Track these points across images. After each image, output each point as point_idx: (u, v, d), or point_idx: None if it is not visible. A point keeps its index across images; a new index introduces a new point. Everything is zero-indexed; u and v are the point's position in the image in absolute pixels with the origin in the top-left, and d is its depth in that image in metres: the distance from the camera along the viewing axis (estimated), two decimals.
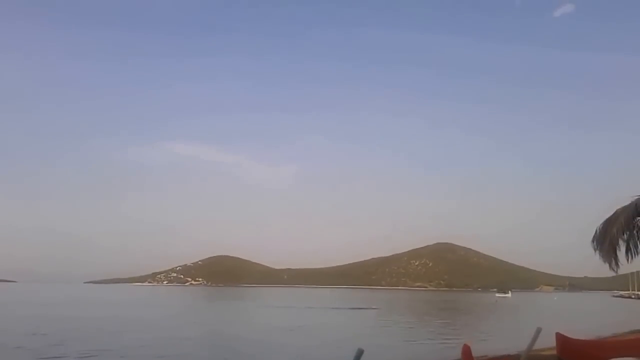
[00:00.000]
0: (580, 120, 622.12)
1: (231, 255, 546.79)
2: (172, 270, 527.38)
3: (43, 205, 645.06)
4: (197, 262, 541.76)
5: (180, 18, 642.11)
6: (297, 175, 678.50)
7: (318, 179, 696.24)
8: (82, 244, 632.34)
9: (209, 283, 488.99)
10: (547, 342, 11.07)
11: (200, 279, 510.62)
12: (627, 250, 16.77)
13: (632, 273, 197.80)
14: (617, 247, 16.68)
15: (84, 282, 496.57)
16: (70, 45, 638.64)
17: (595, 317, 72.47)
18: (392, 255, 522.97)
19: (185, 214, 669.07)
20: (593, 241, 17.16)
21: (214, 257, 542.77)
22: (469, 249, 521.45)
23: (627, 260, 16.82)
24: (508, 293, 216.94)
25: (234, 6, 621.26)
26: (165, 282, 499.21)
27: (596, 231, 17.18)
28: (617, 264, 16.73)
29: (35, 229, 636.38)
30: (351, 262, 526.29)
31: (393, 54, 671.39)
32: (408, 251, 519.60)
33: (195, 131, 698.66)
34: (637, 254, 16.82)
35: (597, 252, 16.95)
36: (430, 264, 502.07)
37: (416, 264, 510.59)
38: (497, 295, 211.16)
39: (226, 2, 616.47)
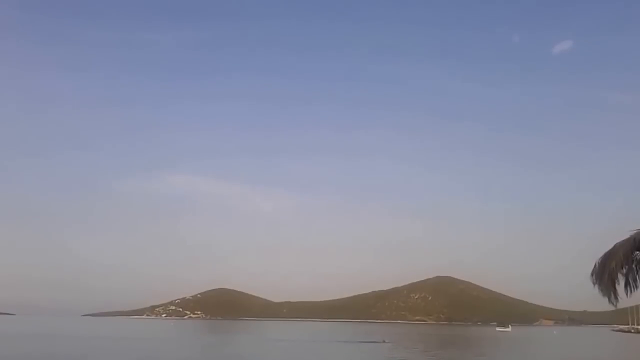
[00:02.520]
0: (568, 161, 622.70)
1: (230, 288, 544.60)
2: (171, 303, 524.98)
3: (38, 238, 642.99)
4: (196, 295, 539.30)
5: (182, 60, 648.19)
6: (296, 208, 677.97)
7: (318, 213, 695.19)
8: (81, 276, 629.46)
9: (208, 316, 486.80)
10: None
11: (199, 312, 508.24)
12: (626, 284, 16.76)
13: (631, 307, 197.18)
14: (616, 281, 16.67)
15: (82, 315, 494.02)
16: (77, 93, 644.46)
17: (596, 353, 72.12)
18: (392, 288, 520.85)
19: (184, 246, 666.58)
20: (592, 275, 17.16)
21: (213, 290, 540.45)
22: (469, 282, 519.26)
23: (627, 294, 16.80)
24: (508, 327, 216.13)
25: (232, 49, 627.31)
26: (164, 315, 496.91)
27: (595, 265, 17.18)
28: (616, 298, 16.71)
29: (33, 261, 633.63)
30: (351, 295, 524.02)
31: (392, 89, 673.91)
32: (408, 284, 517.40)
33: (194, 164, 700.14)
34: (636, 288, 16.81)
35: (596, 286, 16.96)
36: (430, 298, 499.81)
37: (416, 297, 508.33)
38: (498, 329, 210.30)
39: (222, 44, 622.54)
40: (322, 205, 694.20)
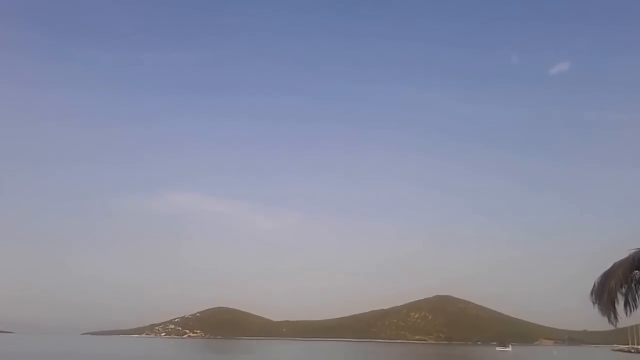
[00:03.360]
0: (570, 182, 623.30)
1: (230, 307, 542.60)
2: (171, 322, 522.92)
3: (37, 256, 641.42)
4: (195, 314, 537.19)
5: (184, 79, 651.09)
6: (297, 227, 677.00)
7: (318, 231, 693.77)
8: (80, 294, 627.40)
9: (207, 335, 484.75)
10: None
11: (198, 331, 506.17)
12: (626, 303, 16.79)
13: (631, 327, 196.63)
14: (616, 301, 16.71)
15: (82, 334, 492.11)
16: (80, 110, 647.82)
17: None
18: (392, 308, 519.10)
19: (184, 264, 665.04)
20: (591, 294, 17.20)
21: (213, 308, 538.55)
22: (468, 301, 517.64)
23: (626, 313, 16.83)
24: (508, 347, 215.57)
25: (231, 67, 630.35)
26: (163, 333, 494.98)
27: (594, 284, 17.23)
28: (615, 317, 16.75)
29: (32, 279, 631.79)
30: (351, 314, 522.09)
31: (393, 108, 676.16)
32: (407, 304, 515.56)
33: (194, 182, 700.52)
34: (636, 308, 16.84)
35: (596, 305, 16.99)
36: (430, 317, 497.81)
37: (415, 316, 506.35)
38: (498, 349, 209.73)
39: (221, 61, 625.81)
40: (322, 223, 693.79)
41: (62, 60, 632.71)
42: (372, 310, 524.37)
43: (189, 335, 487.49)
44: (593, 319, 18.17)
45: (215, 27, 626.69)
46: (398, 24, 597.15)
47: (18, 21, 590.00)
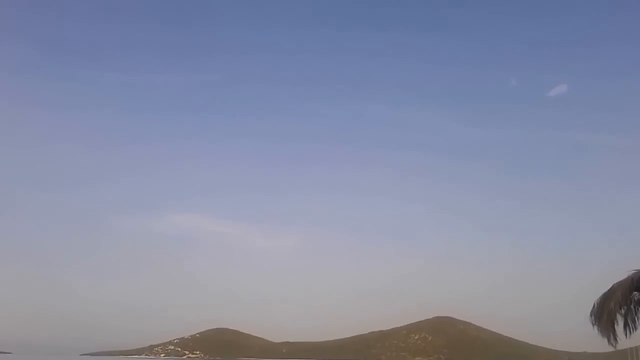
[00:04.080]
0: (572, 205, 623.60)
1: (229, 328, 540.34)
2: (170, 342, 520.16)
3: (36, 276, 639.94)
4: (194, 334, 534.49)
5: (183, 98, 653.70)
6: (297, 248, 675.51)
7: (318, 252, 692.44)
8: (79, 314, 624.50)
9: (207, 356, 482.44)
10: None
11: (197, 352, 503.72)
12: (625, 325, 16.83)
13: (631, 348, 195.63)
14: (615, 322, 16.75)
15: (81, 355, 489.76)
16: (81, 130, 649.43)
17: None
18: (392, 329, 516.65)
19: (184, 285, 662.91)
20: (591, 316, 17.24)
21: (212, 329, 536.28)
22: (469, 322, 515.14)
23: (626, 335, 16.87)
24: None
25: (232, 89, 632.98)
26: (162, 354, 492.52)
27: (594, 306, 17.27)
28: (615, 339, 16.79)
29: (30, 299, 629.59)
30: (351, 335, 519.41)
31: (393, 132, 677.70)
32: (407, 325, 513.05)
33: (195, 203, 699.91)
34: (636, 329, 16.88)
35: (595, 326, 17.02)
36: (430, 338, 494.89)
37: (416, 337, 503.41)
38: None
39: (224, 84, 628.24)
40: (323, 244, 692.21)
41: (62, 80, 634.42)
42: (372, 332, 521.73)
43: (189, 357, 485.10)
44: (593, 340, 18.22)
45: (217, 49, 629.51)
46: (394, 42, 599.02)
47: (18, 40, 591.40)
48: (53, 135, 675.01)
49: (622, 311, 16.95)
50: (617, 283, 17.12)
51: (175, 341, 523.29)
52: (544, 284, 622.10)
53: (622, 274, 17.01)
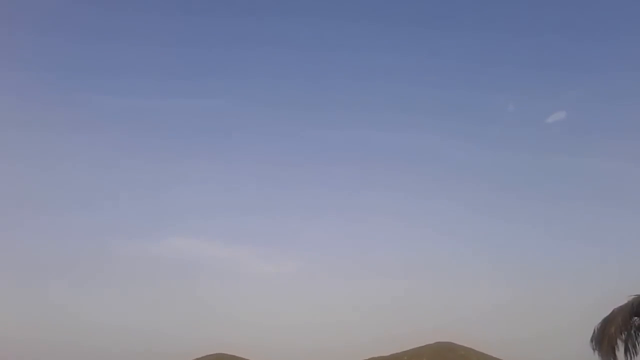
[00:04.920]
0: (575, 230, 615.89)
1: (230, 353, 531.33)
2: None
3: (33, 297, 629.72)
4: None
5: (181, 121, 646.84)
6: (297, 271, 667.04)
7: (319, 275, 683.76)
8: (77, 338, 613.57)
9: None
10: None
11: None
12: (626, 350, 16.60)
13: None
14: (616, 347, 16.53)
15: None
16: (83, 153, 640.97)
17: None
18: (391, 355, 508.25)
19: (183, 310, 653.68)
20: (592, 341, 17.04)
21: (212, 355, 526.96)
22: (470, 348, 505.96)
23: None
24: None
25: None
26: None
27: (594, 331, 17.07)
28: None
29: (27, 321, 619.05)
30: None
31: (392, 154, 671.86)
32: (407, 350, 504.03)
33: (195, 226, 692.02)
34: (636, 354, 16.66)
35: (596, 352, 16.82)
36: None
37: None
38: None
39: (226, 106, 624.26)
40: (324, 267, 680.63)
41: (61, 103, 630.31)
42: (372, 358, 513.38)
43: None
44: None
45: (216, 72, 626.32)
46: (391, 63, 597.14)
47: (23, 65, 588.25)
48: (50, 158, 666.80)
49: (623, 336, 16.72)
50: (617, 308, 16.93)
51: None
52: (547, 308, 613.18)
53: (622, 298, 16.84)
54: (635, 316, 16.61)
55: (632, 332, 16.77)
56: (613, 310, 16.99)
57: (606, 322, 16.94)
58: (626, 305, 16.63)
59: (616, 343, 16.70)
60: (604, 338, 16.75)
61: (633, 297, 16.50)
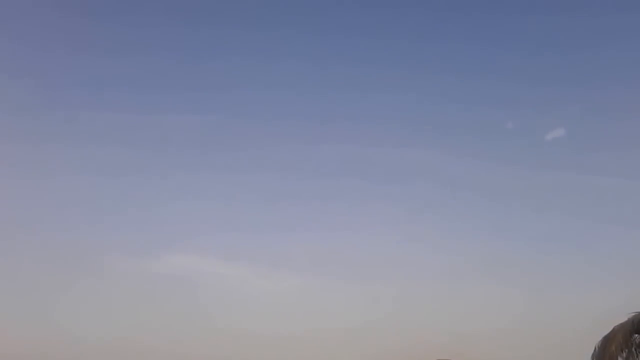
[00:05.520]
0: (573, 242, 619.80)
1: None
2: None
3: (31, 315, 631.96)
4: None
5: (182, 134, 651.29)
6: (296, 288, 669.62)
7: (318, 294, 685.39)
8: (75, 355, 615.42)
9: None
10: None
11: None
12: None
13: None
14: None
15: None
16: (81, 167, 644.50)
17: None
18: None
19: (180, 327, 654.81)
20: (592, 359, 17.06)
21: None
22: None
23: None
24: None
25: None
26: None
27: (595, 349, 17.09)
28: None
29: (23, 339, 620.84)
30: None
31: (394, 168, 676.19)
32: None
33: (193, 243, 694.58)
34: None
35: None
36: None
37: None
38: None
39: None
40: (324, 285, 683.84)
41: (59, 119, 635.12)
42: None
43: None
44: None
45: (216, 86, 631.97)
46: (390, 74, 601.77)
47: (22, 79, 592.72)
48: (46, 173, 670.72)
49: (624, 354, 16.74)
50: (617, 325, 16.96)
51: None
52: (546, 325, 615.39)
53: (623, 316, 16.86)
54: (636, 333, 16.64)
55: (633, 349, 16.81)
56: (613, 328, 17.03)
57: (607, 340, 16.96)
58: (627, 322, 16.66)
59: None
60: (604, 356, 16.77)
61: (633, 314, 16.53)
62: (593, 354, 17.27)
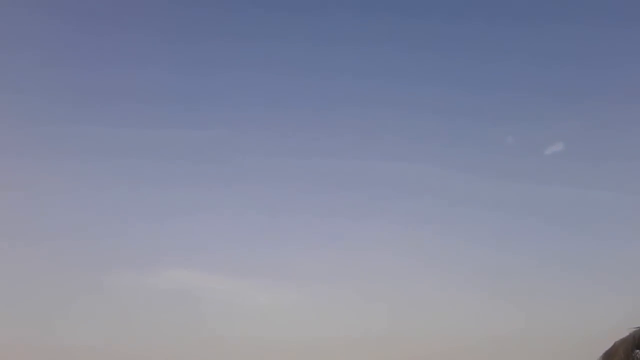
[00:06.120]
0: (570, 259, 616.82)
1: None
2: None
3: (30, 333, 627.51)
4: None
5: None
6: (297, 303, 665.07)
7: (317, 308, 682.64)
8: None
9: None
10: None
11: None
12: None
13: None
14: None
15: None
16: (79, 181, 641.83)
17: None
18: None
19: (179, 343, 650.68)
20: None
21: None
22: None
23: None
24: None
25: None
26: None
27: None
28: None
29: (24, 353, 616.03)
30: None
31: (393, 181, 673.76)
32: None
33: (192, 257, 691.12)
34: None
35: None
36: None
37: None
38: None
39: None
40: (323, 299, 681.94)
41: (60, 135, 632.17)
42: None
43: None
44: None
45: (217, 99, 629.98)
46: (393, 88, 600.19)
47: (21, 89, 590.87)
48: (48, 188, 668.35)
49: None
50: (618, 341, 16.85)
51: None
52: (551, 342, 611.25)
53: (623, 331, 16.74)
54: (638, 349, 16.51)
55: None
56: (614, 344, 16.93)
57: (608, 356, 16.87)
58: (628, 337, 16.56)
59: None
60: None
61: (635, 329, 16.42)
62: None
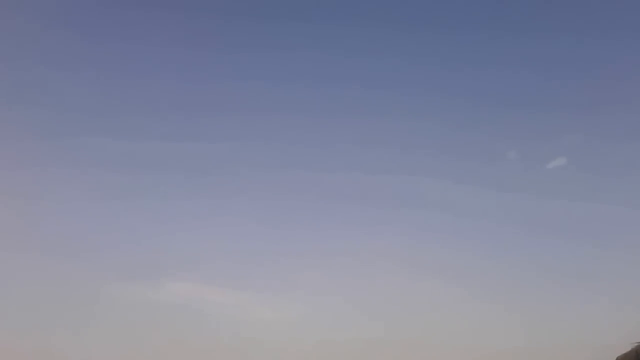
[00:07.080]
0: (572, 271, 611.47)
1: None
2: None
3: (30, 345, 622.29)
4: None
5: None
6: (301, 318, 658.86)
7: (321, 322, 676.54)
8: None
9: None
10: None
11: None
12: None
13: None
14: None
15: None
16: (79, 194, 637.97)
17: None
18: None
19: (182, 355, 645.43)
20: None
21: None
22: None
23: None
24: None
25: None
26: None
27: None
28: None
29: None
30: None
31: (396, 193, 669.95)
32: None
33: (195, 271, 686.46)
34: None
35: None
36: None
37: None
38: None
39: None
40: (327, 314, 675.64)
41: (62, 147, 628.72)
42: None
43: None
44: None
45: (222, 108, 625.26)
46: (393, 100, 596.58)
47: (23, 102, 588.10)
48: (50, 200, 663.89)
49: None
50: (620, 356, 16.83)
51: None
52: (554, 356, 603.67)
53: (625, 346, 16.74)
54: None
55: None
56: (617, 358, 16.89)
57: None
58: (630, 352, 16.52)
59: None
60: None
61: (636, 344, 16.40)
62: None
